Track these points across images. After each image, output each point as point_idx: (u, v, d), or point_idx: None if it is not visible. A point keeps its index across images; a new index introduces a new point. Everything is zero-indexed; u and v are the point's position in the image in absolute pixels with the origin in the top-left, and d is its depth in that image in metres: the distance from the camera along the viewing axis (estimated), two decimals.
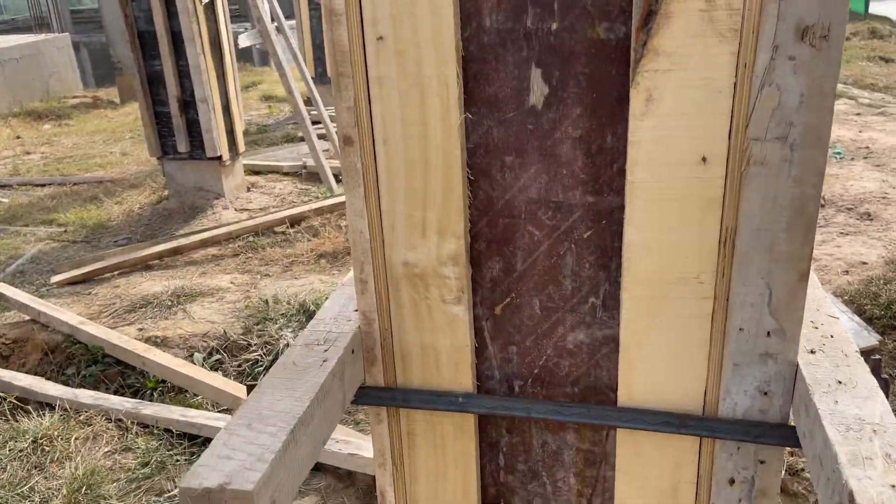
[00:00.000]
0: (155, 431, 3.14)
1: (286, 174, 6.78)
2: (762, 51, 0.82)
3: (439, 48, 0.92)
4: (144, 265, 4.87)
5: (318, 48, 8.87)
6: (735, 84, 0.85)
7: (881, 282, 3.37)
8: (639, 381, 1.01)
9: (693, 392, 1.00)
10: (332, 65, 0.96)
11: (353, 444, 2.83)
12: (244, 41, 6.29)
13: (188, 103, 5.56)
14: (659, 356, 0.99)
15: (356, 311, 1.15)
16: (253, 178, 6.58)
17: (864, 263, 3.60)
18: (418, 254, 1.04)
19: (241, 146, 6.08)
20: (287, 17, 7.15)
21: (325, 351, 1.03)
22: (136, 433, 3.14)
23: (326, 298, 3.59)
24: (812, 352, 0.97)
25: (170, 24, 5.30)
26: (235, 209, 5.95)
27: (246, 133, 7.02)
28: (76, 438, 3.09)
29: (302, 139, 7.43)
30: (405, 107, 0.96)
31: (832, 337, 1.00)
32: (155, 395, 3.45)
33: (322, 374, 0.98)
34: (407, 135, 0.97)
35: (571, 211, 0.99)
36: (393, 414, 1.14)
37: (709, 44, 0.83)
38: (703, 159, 0.88)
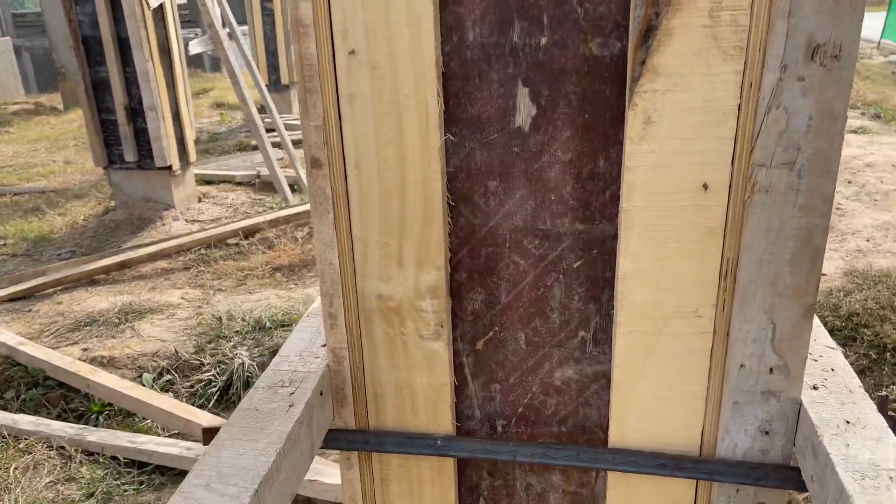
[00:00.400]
0: (101, 460, 2.96)
1: (239, 184, 6.59)
2: (769, 70, 0.76)
3: (418, 63, 0.84)
4: (90, 280, 4.65)
5: (271, 55, 8.69)
6: (739, 106, 0.79)
7: (841, 293, 3.40)
8: (632, 421, 0.94)
9: (689, 432, 0.93)
10: (300, 80, 0.87)
11: (312, 469, 2.71)
12: (195, 47, 6.09)
13: (136, 111, 5.35)
14: (654, 394, 0.92)
15: (323, 346, 1.05)
16: (204, 188, 6.39)
17: (823, 275, 3.64)
18: (394, 286, 0.95)
19: (192, 155, 5.88)
20: (239, 23, 6.97)
21: (291, 394, 0.94)
22: (81, 461, 2.96)
23: (283, 314, 3.44)
24: (815, 388, 0.91)
25: (116, 28, 5.10)
26: (186, 220, 5.75)
27: (197, 141, 6.81)
28: (15, 468, 2.90)
29: (255, 147, 7.25)
30: (380, 126, 0.87)
31: (833, 370, 0.95)
32: (101, 419, 3.26)
33: (288, 421, 0.88)
34: (382, 157, 0.89)
35: (560, 239, 0.91)
36: (365, 458, 1.05)
37: (712, 62, 0.77)
38: (704, 186, 0.82)
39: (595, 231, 0.90)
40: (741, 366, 0.88)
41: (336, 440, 1.02)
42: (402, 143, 0.88)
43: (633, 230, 0.85)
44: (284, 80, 8.76)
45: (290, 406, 0.91)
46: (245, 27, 9.16)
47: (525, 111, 0.87)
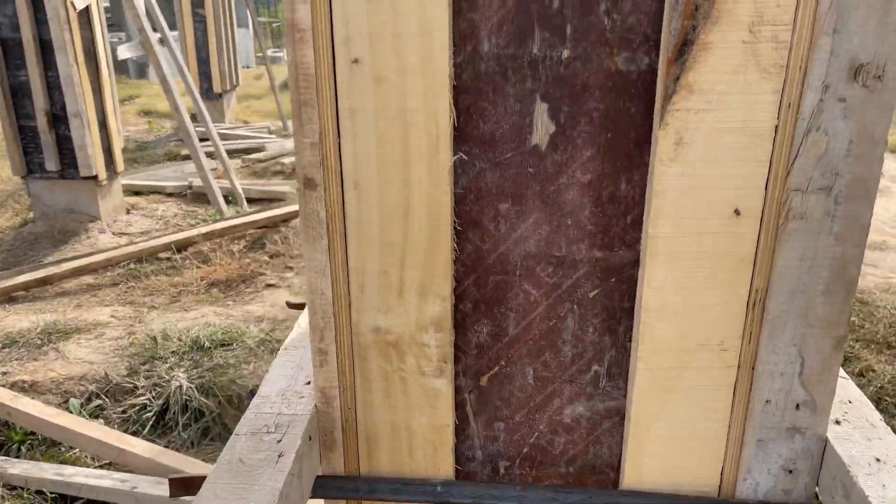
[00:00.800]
0: (25, 494, 2.72)
1: (170, 195, 6.32)
2: (810, 90, 0.72)
3: (429, 76, 0.76)
4: (7, 297, 4.33)
5: (203, 62, 8.41)
6: (776, 127, 0.74)
7: None
8: (648, 461, 0.88)
9: (709, 471, 0.88)
10: (294, 92, 0.77)
11: None
12: (124, 53, 5.81)
13: (59, 118, 5.04)
14: (673, 433, 0.86)
15: (308, 383, 0.95)
16: (133, 200, 6.09)
17: None
18: (393, 318, 0.86)
19: (120, 165, 5.59)
20: (168, 29, 6.69)
21: (279, 441, 0.84)
22: (2, 496, 2.72)
23: (223, 333, 3.27)
24: (837, 422, 0.87)
25: (38, 31, 4.80)
26: (113, 233, 5.46)
27: (124, 150, 6.49)
28: None
29: (186, 157, 6.98)
30: (384, 145, 0.79)
31: (851, 402, 0.92)
32: (23, 449, 3.01)
33: (279, 475, 0.78)
34: (384, 178, 0.80)
35: (575, 267, 0.85)
36: None
37: (750, 80, 0.72)
38: (736, 212, 0.77)
39: (614, 258, 0.84)
40: (767, 401, 0.83)
41: (324, 488, 0.92)
42: (407, 162, 0.79)
43: (659, 258, 0.79)
44: (217, 88, 8.49)
45: (280, 456, 0.81)
46: (175, 32, 8.84)
47: (542, 129, 0.80)
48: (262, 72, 12.79)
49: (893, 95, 0.71)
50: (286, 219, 5.30)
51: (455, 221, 0.83)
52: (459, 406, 0.92)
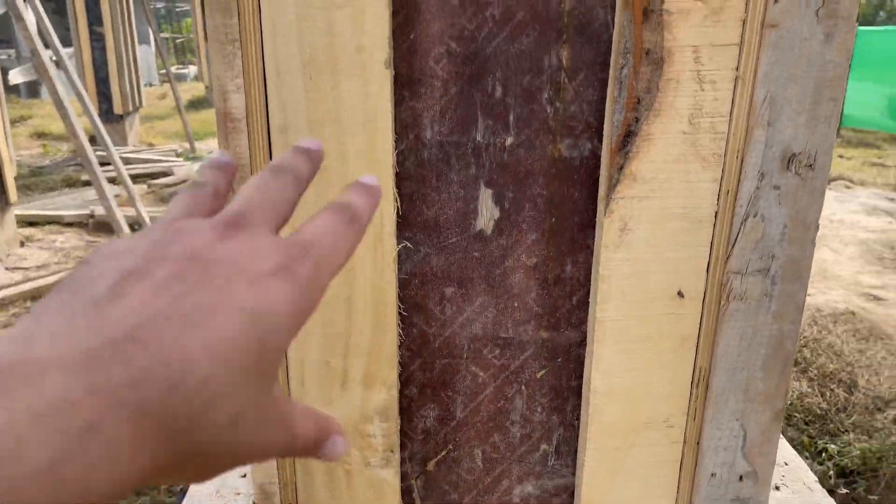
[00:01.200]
0: None
1: (69, 224, 5.98)
2: (747, 178, 0.73)
3: (373, 164, 0.73)
4: None
5: (101, 82, 8.03)
6: (716, 213, 0.75)
7: None
8: None
9: None
10: None
11: None
12: (16, 77, 5.47)
13: None
14: None
15: (243, 476, 0.90)
16: (28, 231, 5.72)
17: None
18: (336, 410, 0.82)
19: (13, 194, 5.25)
20: (64, 45, 6.36)
21: None
22: None
23: None
24: (777, 488, 0.90)
25: None
26: (6, 269, 5.10)
27: (17, 177, 6.11)
28: None
29: (87, 183, 6.64)
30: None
31: (787, 464, 0.94)
32: None
33: None
34: None
35: (523, 348, 0.84)
36: None
37: (690, 169, 0.73)
38: (680, 294, 0.78)
39: (560, 339, 0.83)
40: (712, 475, 0.84)
41: None
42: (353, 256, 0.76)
43: (607, 342, 0.79)
44: (118, 109, 8.12)
45: None
46: (70, 49, 8.42)
47: (487, 214, 0.78)
48: (167, 90, 12.38)
49: (823, 182, 0.74)
50: None
51: (400, 307, 0.81)
52: (406, 493, 0.89)
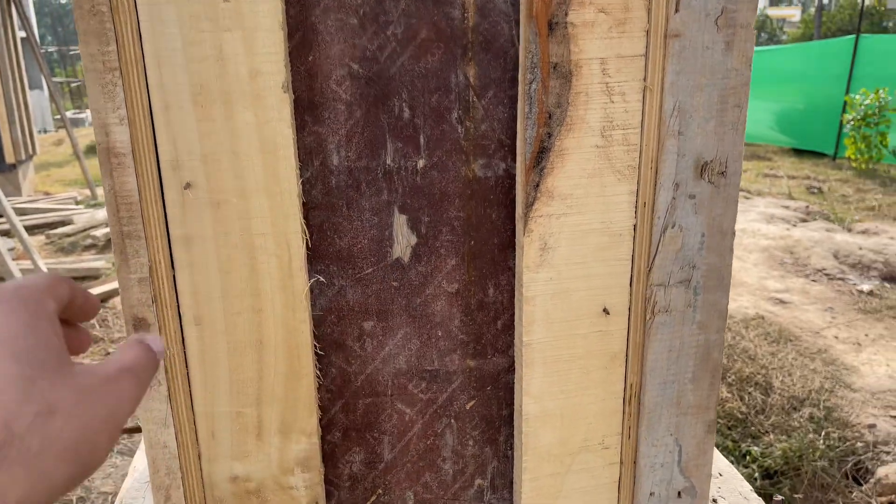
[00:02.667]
0: None
1: None
2: (663, 189, 0.73)
3: (275, 196, 0.68)
4: None
5: None
6: (635, 226, 0.74)
7: None
8: None
9: None
10: (114, 223, 0.66)
11: None
12: None
13: None
14: None
15: None
16: None
17: None
18: (252, 463, 0.76)
19: None
20: None
21: None
22: None
23: None
24: (714, 501, 0.88)
25: None
26: None
27: None
28: None
29: None
30: (228, 274, 0.70)
31: (721, 475, 0.94)
32: None
33: None
34: (231, 311, 0.71)
35: (450, 379, 0.80)
36: None
37: (606, 183, 0.72)
38: (605, 311, 0.76)
39: (488, 366, 0.80)
40: (651, 494, 0.82)
41: None
42: (257, 291, 0.71)
43: (535, 366, 0.76)
44: (10, 158, 7.68)
45: None
46: None
47: (404, 241, 0.75)
48: (63, 136, 11.86)
49: (736, 189, 0.74)
50: (103, 298, 4.84)
51: (316, 346, 0.75)
52: None
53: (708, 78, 0.70)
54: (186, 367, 0.72)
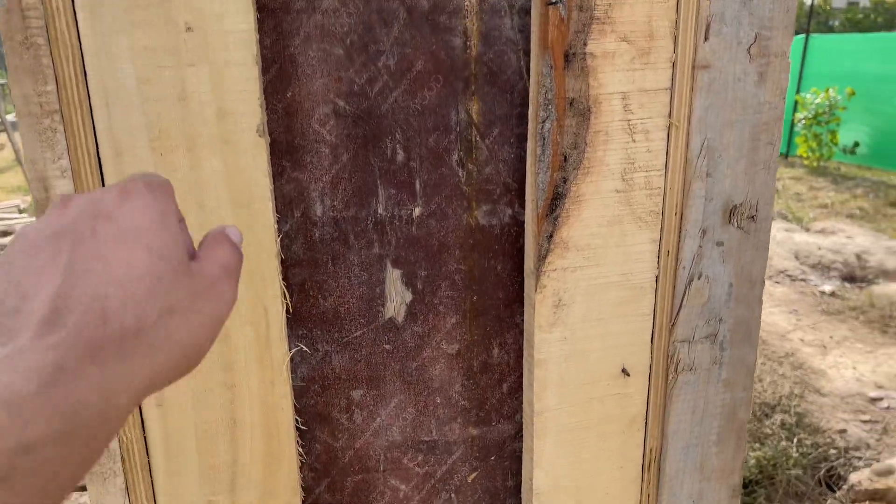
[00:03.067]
0: None
1: None
2: (688, 237, 0.65)
3: (249, 256, 0.58)
4: None
5: None
6: (657, 278, 0.66)
7: None
8: None
9: None
10: None
11: None
12: None
13: None
14: None
15: None
16: None
17: None
18: None
19: None
20: None
21: None
22: None
23: None
24: None
25: None
26: None
27: None
28: None
29: None
30: None
31: None
32: None
33: None
34: (200, 387, 0.61)
35: (449, 450, 0.71)
36: None
37: (627, 231, 0.64)
38: (624, 371, 0.68)
39: (492, 434, 0.71)
40: None
41: None
42: (230, 364, 0.61)
43: (548, 436, 0.68)
44: None
45: None
46: None
47: (397, 298, 0.65)
48: (4, 140, 11.39)
49: (767, 234, 0.67)
50: None
51: (298, 420, 0.66)
52: None
53: (739, 113, 0.63)
54: (147, 454, 0.62)
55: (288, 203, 0.61)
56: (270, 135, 0.59)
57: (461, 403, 0.70)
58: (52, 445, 0.28)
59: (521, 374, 0.70)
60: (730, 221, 0.66)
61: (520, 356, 0.69)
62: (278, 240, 0.60)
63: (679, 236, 0.65)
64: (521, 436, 0.71)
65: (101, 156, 0.54)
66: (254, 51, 0.54)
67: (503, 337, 0.69)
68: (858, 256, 4.95)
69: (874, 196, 7.20)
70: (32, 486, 0.28)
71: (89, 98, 0.53)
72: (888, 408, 3.17)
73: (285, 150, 0.60)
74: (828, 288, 4.48)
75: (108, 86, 0.53)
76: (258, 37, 0.55)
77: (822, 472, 2.76)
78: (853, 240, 5.36)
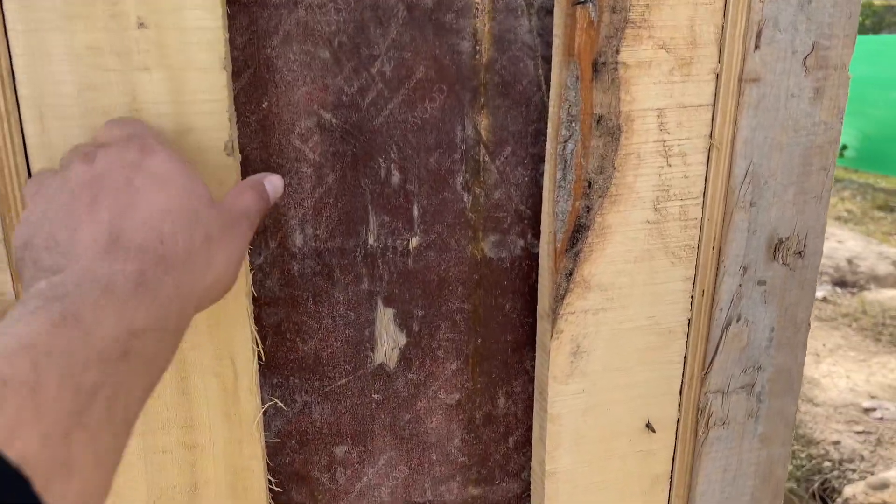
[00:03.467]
0: None
1: None
2: (727, 275, 0.56)
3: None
4: None
5: None
6: (690, 321, 0.57)
7: None
8: None
9: None
10: None
11: None
12: None
13: None
14: None
15: None
16: None
17: None
18: None
19: None
20: None
21: None
22: None
23: None
24: None
25: None
26: None
27: None
28: None
29: None
30: (150, 400, 0.50)
31: None
32: None
33: None
34: (154, 448, 0.51)
35: None
36: None
37: (657, 268, 0.55)
38: (649, 426, 0.59)
39: (496, 494, 0.62)
40: None
41: None
42: (190, 421, 0.51)
43: (561, 497, 0.59)
44: None
45: None
46: None
47: (389, 342, 0.56)
48: None
49: (815, 272, 0.58)
50: None
51: (271, 482, 0.57)
52: None
53: (790, 134, 0.54)
54: None
55: (262, 232, 0.52)
56: (242, 152, 0.50)
57: (461, 460, 0.61)
58: (152, 333, 0.34)
59: (530, 427, 0.61)
60: (774, 257, 0.57)
61: (529, 407, 0.61)
62: (250, 275, 0.50)
63: (717, 274, 0.56)
64: (529, 496, 0.63)
65: (32, 176, 0.44)
66: (221, 53, 0.45)
67: (510, 385, 0.60)
68: (850, 261, 4.91)
69: (861, 199, 7.18)
70: (141, 367, 0.34)
71: (18, 108, 0.43)
72: (882, 418, 3.12)
73: (259, 169, 0.50)
74: (819, 293, 4.43)
75: (43, 92, 0.43)
76: (228, 36, 0.46)
77: (816, 485, 2.71)
78: (844, 244, 5.33)
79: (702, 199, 0.54)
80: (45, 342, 0.29)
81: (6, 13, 0.42)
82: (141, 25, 0.43)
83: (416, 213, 0.54)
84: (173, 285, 0.36)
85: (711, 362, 0.58)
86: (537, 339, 0.58)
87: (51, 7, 0.42)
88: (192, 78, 0.45)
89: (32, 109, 0.43)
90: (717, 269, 0.56)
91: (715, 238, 0.55)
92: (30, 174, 0.45)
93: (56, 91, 0.43)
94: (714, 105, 0.52)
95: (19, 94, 0.43)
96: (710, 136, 0.53)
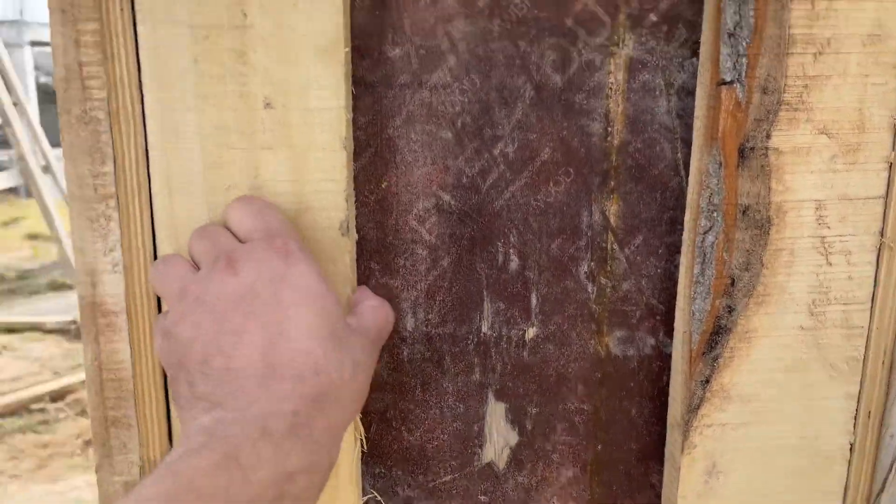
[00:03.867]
0: None
1: (50, 331, 5.68)
2: None
3: None
4: None
5: None
6: (852, 445, 0.49)
7: None
8: None
9: None
10: (97, 404, 0.47)
11: None
12: (3, 181, 5.32)
13: None
14: None
15: None
16: (5, 339, 5.43)
17: None
18: None
19: None
20: (53, 145, 6.21)
21: None
22: None
23: None
24: None
25: None
26: None
27: (1, 280, 5.88)
28: None
29: (72, 287, 6.39)
30: None
31: None
32: None
33: None
34: None
35: None
36: None
37: (812, 381, 0.48)
38: None
39: None
40: None
41: None
42: None
43: None
44: None
45: None
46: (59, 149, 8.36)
47: (500, 440, 0.52)
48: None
49: None
50: (55, 397, 4.75)
51: None
52: None
53: None
54: None
55: None
56: (359, 231, 0.49)
57: None
58: (305, 475, 0.34)
59: None
60: None
61: None
62: None
63: (887, 393, 0.48)
64: None
65: (157, 251, 0.46)
66: (343, 133, 0.44)
67: (633, 499, 0.53)
68: None
69: None
70: None
71: (150, 183, 0.45)
72: None
73: (375, 249, 0.49)
74: None
75: (171, 169, 0.44)
76: (351, 116, 0.45)
77: None
78: None
79: (869, 304, 0.47)
80: (210, 485, 0.31)
81: (145, 94, 0.43)
82: (267, 105, 0.44)
83: (534, 301, 0.50)
84: (326, 422, 0.36)
85: (878, 496, 0.49)
86: (666, 451, 0.51)
87: (186, 89, 0.43)
88: (312, 157, 0.44)
89: (162, 186, 0.45)
90: (889, 386, 0.48)
91: (885, 351, 0.47)
92: (155, 250, 0.46)
93: (182, 168, 0.44)
94: (886, 198, 0.45)
95: (151, 169, 0.45)
96: (881, 233, 0.46)
